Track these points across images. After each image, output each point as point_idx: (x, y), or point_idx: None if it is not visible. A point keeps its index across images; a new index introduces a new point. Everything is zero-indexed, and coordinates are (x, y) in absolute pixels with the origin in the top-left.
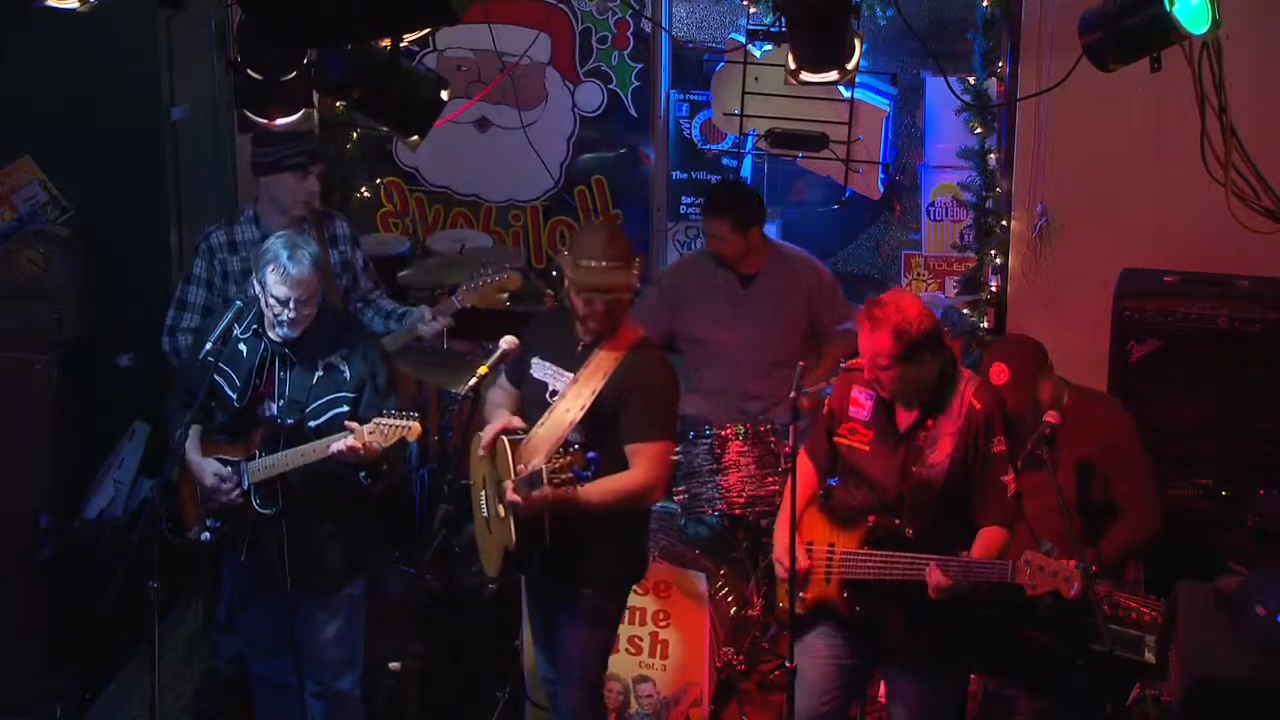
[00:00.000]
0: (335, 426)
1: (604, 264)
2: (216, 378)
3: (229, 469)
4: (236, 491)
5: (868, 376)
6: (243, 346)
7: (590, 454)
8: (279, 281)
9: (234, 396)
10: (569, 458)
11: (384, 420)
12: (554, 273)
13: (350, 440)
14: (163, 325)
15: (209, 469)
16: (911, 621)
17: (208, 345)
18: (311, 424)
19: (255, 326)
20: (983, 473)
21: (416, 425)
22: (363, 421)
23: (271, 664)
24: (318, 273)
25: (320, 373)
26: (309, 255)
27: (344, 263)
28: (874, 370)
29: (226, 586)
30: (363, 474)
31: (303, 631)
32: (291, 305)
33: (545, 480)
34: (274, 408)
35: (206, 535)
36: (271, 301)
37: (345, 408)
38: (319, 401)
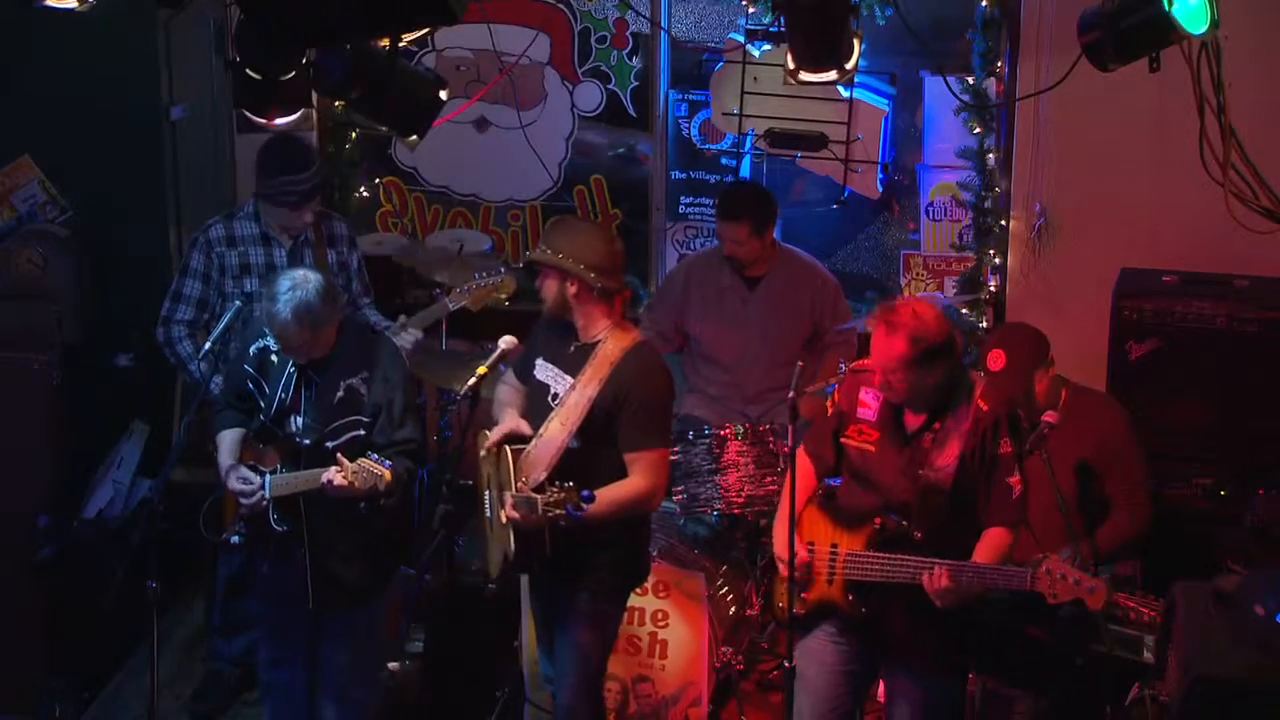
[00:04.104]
0: (352, 448)
1: (541, 247)
2: (250, 385)
3: (254, 476)
4: (257, 498)
5: (878, 381)
6: (274, 358)
7: (585, 492)
8: (270, 324)
9: (264, 406)
10: (564, 494)
11: (366, 463)
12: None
13: (335, 475)
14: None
15: (234, 475)
16: (914, 621)
17: (206, 346)
18: (330, 444)
19: None
20: (988, 474)
21: (388, 474)
22: (373, 446)
23: (284, 673)
24: (303, 327)
25: (341, 394)
26: (291, 309)
27: (340, 263)
28: (885, 374)
29: (220, 590)
30: (362, 504)
31: (323, 643)
32: (284, 345)
33: (540, 510)
34: (297, 424)
35: (236, 539)
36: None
37: (362, 431)
38: (338, 423)
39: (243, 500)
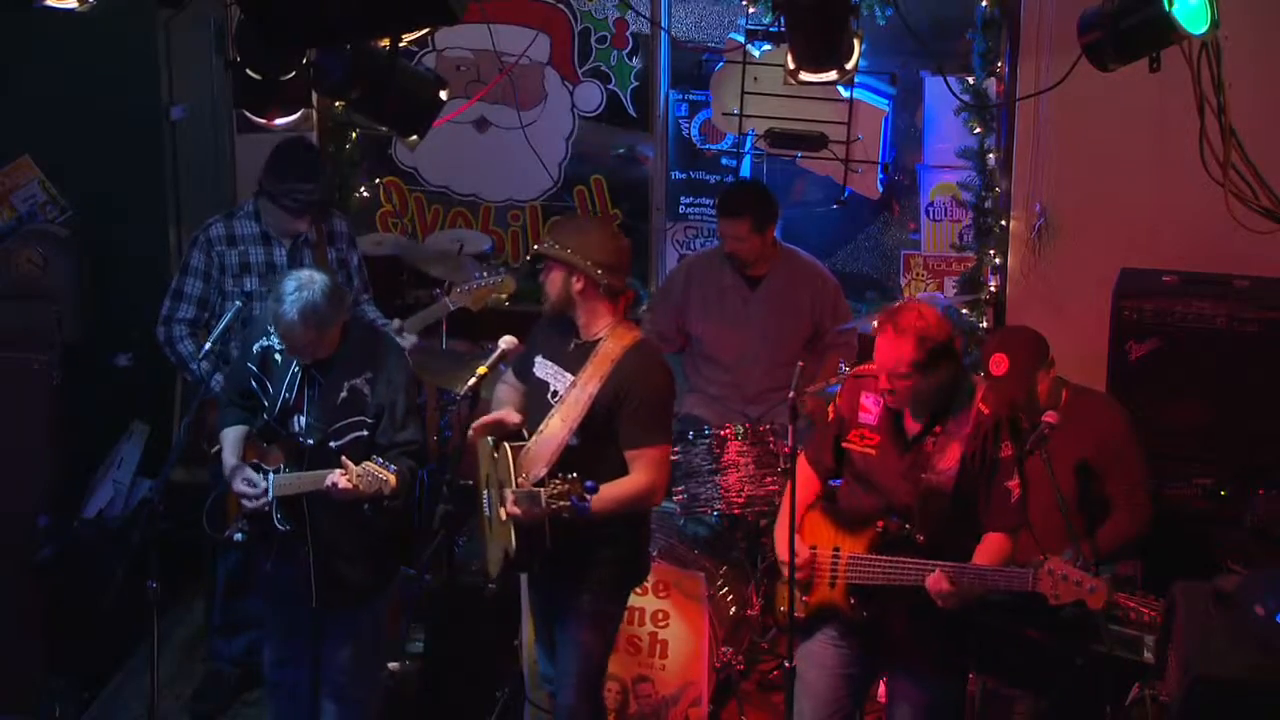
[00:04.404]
0: (355, 448)
1: (548, 241)
2: (254, 384)
3: (258, 476)
4: (261, 500)
5: (884, 386)
6: (278, 356)
7: (589, 484)
8: (275, 324)
9: (267, 405)
10: (568, 485)
11: (372, 467)
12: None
13: (340, 479)
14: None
15: (238, 474)
16: (915, 624)
17: (206, 346)
18: (333, 444)
19: None
20: (988, 478)
21: (393, 479)
22: (376, 447)
23: (290, 672)
24: (311, 327)
25: (345, 394)
26: (299, 311)
27: (340, 260)
28: (892, 380)
29: (220, 590)
30: (365, 506)
31: (325, 643)
32: (289, 346)
33: (543, 503)
34: (301, 424)
35: (239, 536)
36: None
37: (365, 432)
38: (341, 423)
39: (248, 489)
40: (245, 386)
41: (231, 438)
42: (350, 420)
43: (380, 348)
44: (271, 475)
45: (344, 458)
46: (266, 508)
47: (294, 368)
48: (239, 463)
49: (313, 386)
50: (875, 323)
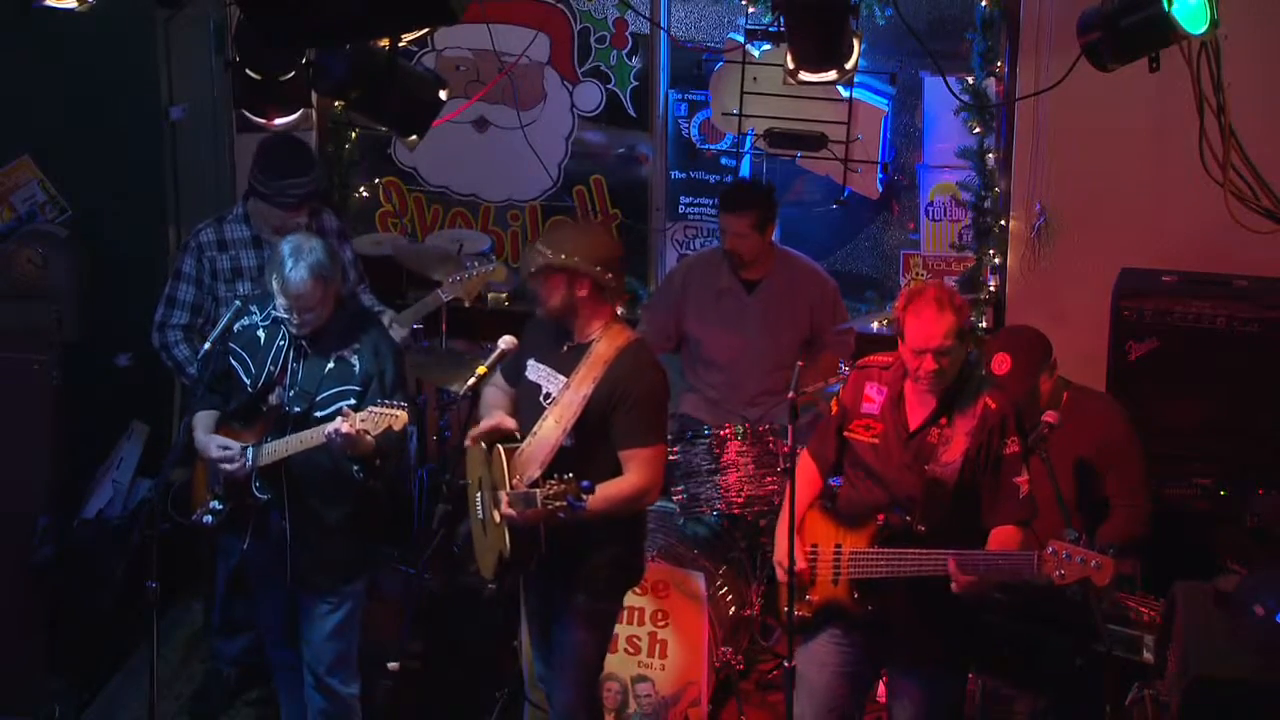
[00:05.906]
0: None
1: (549, 251)
2: (233, 362)
3: (234, 443)
4: (241, 463)
5: (930, 368)
6: (261, 333)
7: (585, 484)
8: (280, 291)
9: (248, 381)
10: (564, 486)
11: (375, 408)
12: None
13: (342, 424)
14: (152, 321)
15: (215, 442)
16: (919, 620)
17: (205, 347)
18: (318, 414)
19: (275, 314)
20: (995, 473)
21: (403, 414)
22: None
23: (286, 652)
24: (320, 282)
25: (331, 364)
26: (307, 268)
27: None
28: (939, 355)
29: (219, 590)
30: (356, 467)
31: (304, 623)
32: (294, 312)
33: (539, 504)
34: (284, 395)
35: (209, 518)
36: (279, 304)
37: (352, 400)
38: (327, 392)
39: (228, 455)
40: (223, 368)
41: (204, 420)
42: (338, 389)
43: (367, 322)
44: (252, 448)
45: (345, 406)
46: (247, 468)
47: (279, 340)
48: (214, 435)
49: (299, 357)
50: (902, 306)
